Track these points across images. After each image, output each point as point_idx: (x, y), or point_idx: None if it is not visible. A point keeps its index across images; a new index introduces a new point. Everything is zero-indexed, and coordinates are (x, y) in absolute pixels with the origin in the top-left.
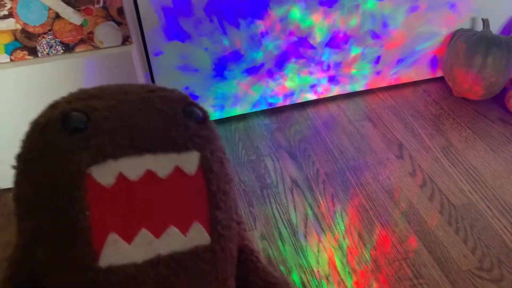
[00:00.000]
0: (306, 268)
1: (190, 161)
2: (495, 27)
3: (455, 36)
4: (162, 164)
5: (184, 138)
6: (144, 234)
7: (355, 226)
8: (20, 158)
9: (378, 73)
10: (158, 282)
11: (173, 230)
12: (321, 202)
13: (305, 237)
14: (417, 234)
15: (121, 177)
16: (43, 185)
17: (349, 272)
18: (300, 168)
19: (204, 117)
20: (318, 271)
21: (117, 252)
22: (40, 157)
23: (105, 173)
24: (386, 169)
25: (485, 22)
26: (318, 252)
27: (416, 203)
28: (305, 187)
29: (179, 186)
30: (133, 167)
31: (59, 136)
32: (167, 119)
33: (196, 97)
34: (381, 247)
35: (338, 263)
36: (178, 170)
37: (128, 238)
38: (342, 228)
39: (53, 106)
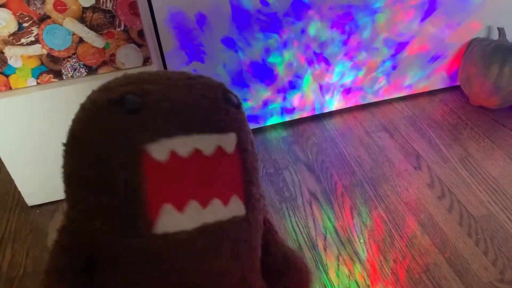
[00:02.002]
0: (326, 282)
1: (229, 141)
2: (511, 36)
3: (471, 45)
4: (207, 143)
5: (225, 121)
6: (193, 204)
7: (374, 239)
8: (75, 134)
9: (394, 83)
10: (205, 247)
11: (216, 201)
12: (340, 215)
13: (325, 250)
14: (437, 246)
15: (173, 154)
16: (103, 161)
17: (369, 285)
18: (318, 181)
19: (238, 103)
20: (338, 285)
21: (171, 220)
22: (100, 134)
23: (159, 150)
24: (404, 180)
25: (501, 31)
26: (338, 265)
27: (435, 214)
28: (324, 200)
29: (220, 163)
30: (183, 145)
31: (118, 116)
32: (210, 103)
33: None
34: (400, 259)
35: (357, 277)
36: (220, 149)
37: (180, 208)
38: (361, 241)
39: (108, 89)
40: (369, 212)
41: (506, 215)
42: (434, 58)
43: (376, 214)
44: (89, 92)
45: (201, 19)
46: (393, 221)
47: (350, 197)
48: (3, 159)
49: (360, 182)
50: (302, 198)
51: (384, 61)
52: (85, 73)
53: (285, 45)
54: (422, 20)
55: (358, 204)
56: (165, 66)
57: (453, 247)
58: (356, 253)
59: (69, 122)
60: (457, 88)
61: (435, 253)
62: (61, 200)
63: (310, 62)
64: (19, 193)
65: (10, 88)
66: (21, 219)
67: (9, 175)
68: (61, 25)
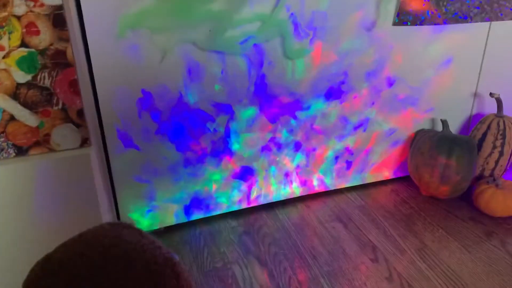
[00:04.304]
0: None
1: None
2: (454, 127)
3: (417, 136)
4: None
5: None
6: None
7: None
8: None
9: (344, 173)
10: None
11: None
12: None
13: None
14: None
15: None
16: None
17: None
18: (271, 276)
19: None
20: None
21: None
22: None
23: None
24: (362, 274)
25: (444, 122)
26: None
27: None
28: None
29: None
30: None
31: None
32: None
33: (157, 205)
34: None
35: None
36: None
37: None
38: None
39: None
40: None
41: None
42: (383, 149)
43: None
44: (16, 176)
45: (147, 100)
46: None
47: None
48: None
49: (316, 276)
50: None
51: (334, 152)
52: (14, 154)
53: (235, 133)
54: (369, 112)
55: None
56: (105, 148)
57: None
58: None
59: None
60: (406, 178)
61: None
62: None
63: (262, 150)
64: None
65: None
66: None
67: None
68: None
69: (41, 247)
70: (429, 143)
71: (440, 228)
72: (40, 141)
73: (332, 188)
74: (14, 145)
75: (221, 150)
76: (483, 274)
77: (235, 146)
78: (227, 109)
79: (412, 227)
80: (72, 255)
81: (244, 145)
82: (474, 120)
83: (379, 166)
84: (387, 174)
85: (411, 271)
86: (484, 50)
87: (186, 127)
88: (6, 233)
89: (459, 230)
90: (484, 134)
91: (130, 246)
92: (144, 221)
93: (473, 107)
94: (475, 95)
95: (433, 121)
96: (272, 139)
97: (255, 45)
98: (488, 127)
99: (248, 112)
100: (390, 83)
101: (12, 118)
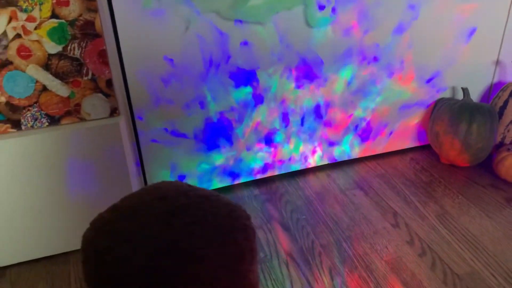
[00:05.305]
0: None
1: None
2: (474, 96)
3: (438, 104)
4: None
5: None
6: None
7: None
8: None
9: (365, 142)
10: None
11: None
12: (319, 275)
13: None
14: None
15: None
16: None
17: None
18: (294, 240)
19: None
20: None
21: None
22: None
23: None
24: (383, 238)
25: (465, 91)
26: None
27: (418, 273)
28: (301, 261)
29: None
30: None
31: None
32: None
33: (182, 172)
34: None
35: None
36: None
37: None
38: None
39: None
40: (349, 272)
41: (490, 273)
42: (403, 118)
43: (356, 274)
44: (50, 144)
45: (172, 69)
46: (374, 281)
47: (329, 256)
48: None
49: (338, 241)
50: (278, 259)
51: (354, 120)
52: (47, 124)
53: (258, 100)
54: (390, 79)
55: (338, 264)
56: (132, 118)
57: None
58: None
59: (27, 176)
60: (426, 147)
61: None
62: (10, 266)
63: (284, 119)
64: None
65: None
66: None
67: None
68: (24, 71)
69: (73, 212)
70: (450, 111)
71: (460, 194)
72: (71, 111)
73: (352, 157)
74: (47, 114)
75: (245, 118)
76: (503, 238)
77: (258, 114)
78: (251, 77)
79: (432, 194)
80: (142, 204)
81: (268, 113)
82: (495, 88)
83: (399, 135)
84: (407, 142)
85: (431, 236)
86: (507, 17)
87: (211, 95)
88: (41, 199)
89: (479, 197)
90: (506, 102)
91: (196, 199)
92: None
93: (495, 75)
94: (497, 62)
95: (453, 89)
96: (295, 107)
97: (277, 13)
98: (510, 94)
99: (271, 80)
100: (410, 50)
101: (44, 88)
